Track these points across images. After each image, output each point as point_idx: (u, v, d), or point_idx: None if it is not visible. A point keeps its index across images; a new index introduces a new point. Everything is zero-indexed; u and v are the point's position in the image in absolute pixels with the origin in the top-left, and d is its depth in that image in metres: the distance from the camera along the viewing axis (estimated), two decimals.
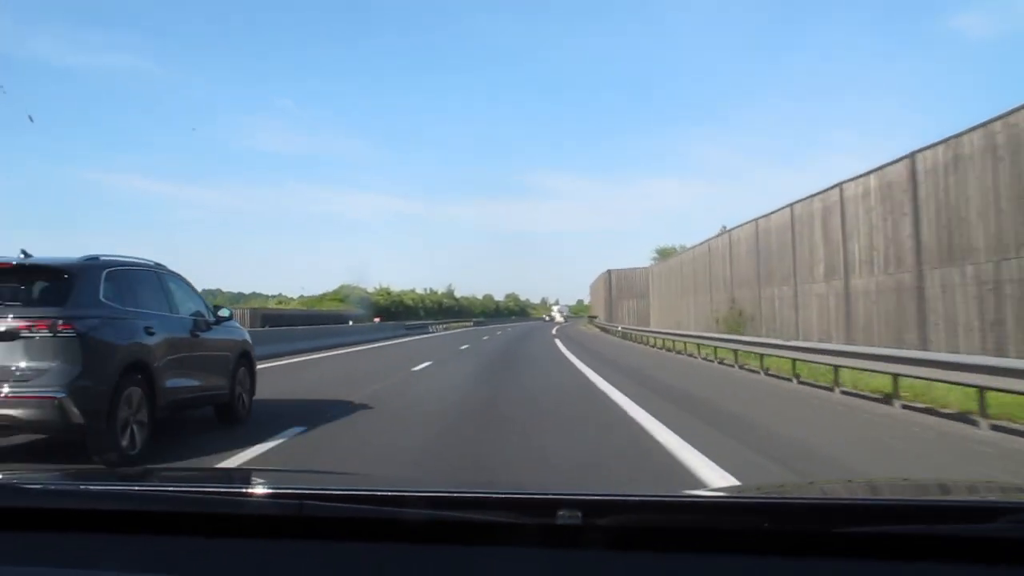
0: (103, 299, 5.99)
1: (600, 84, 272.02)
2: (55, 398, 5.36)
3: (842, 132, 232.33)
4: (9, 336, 5.43)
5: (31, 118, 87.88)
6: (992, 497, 1.69)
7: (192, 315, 7.28)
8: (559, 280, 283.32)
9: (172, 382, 6.53)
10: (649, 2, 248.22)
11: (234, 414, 7.81)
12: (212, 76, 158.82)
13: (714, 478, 5.30)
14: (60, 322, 5.52)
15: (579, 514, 1.24)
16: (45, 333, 5.47)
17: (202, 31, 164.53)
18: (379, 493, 1.41)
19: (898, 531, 1.23)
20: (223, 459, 6.00)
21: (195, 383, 7.01)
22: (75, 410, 5.40)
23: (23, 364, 5.42)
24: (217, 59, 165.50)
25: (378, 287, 61.55)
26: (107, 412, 5.60)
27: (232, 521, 1.34)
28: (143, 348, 6.19)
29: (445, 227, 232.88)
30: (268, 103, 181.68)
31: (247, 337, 8.60)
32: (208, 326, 7.47)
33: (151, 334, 6.32)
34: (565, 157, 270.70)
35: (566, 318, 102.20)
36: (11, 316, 5.50)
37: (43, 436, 6.02)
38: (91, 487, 1.55)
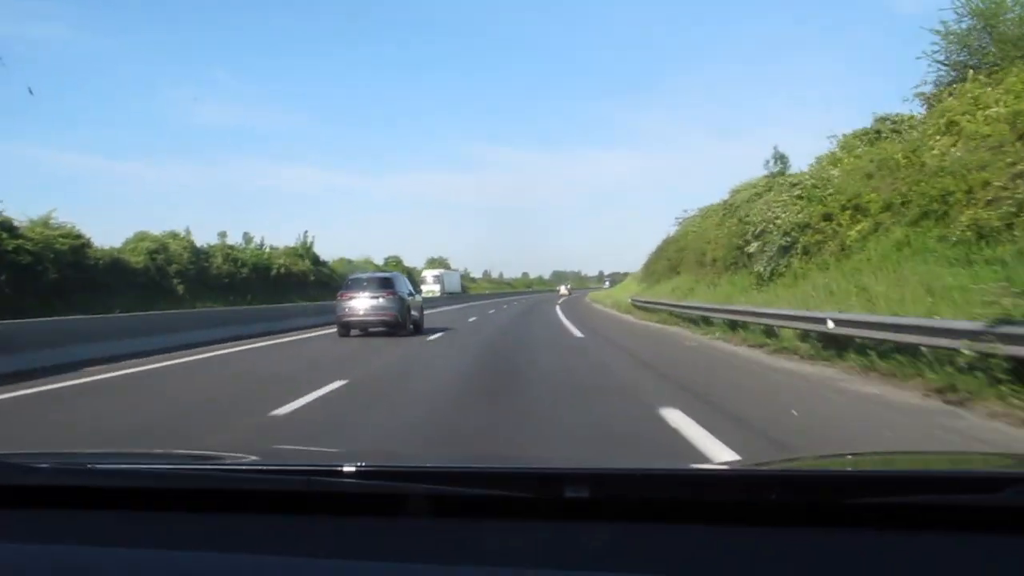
0: (396, 285, 21.78)
1: (534, 56, 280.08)
2: (395, 315, 20.86)
3: (777, 103, 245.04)
4: (382, 297, 20.90)
5: (31, 91, 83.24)
6: (999, 468, 1.69)
7: (409, 289, 23.00)
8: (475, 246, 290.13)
9: (411, 313, 22.21)
10: None
11: (420, 329, 22.67)
12: (142, 47, 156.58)
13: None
14: (392, 293, 21.31)
15: (586, 488, 1.28)
16: (390, 297, 21.11)
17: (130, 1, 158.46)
18: (386, 468, 1.47)
19: (905, 502, 1.25)
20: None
21: (414, 314, 22.66)
22: (399, 318, 20.98)
23: (384, 305, 20.91)
24: (146, 29, 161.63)
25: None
26: (405, 319, 21.29)
27: (240, 497, 1.38)
28: (407, 300, 21.68)
29: (384, 198, 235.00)
30: (203, 75, 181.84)
31: (421, 300, 24.74)
32: (413, 295, 23.22)
33: (410, 296, 22.24)
34: (503, 130, 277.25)
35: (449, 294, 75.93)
36: (381, 292, 21.04)
37: (387, 329, 20.88)
38: (99, 466, 1.59)
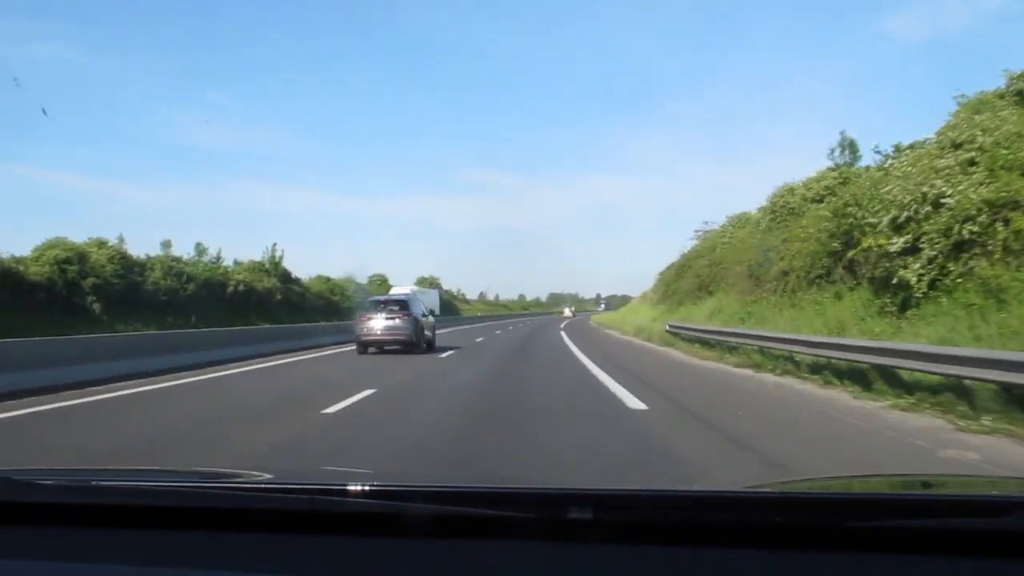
0: (412, 307, 18.23)
1: (528, 81, 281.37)
2: (410, 334, 17.67)
3: (775, 130, 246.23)
4: (397, 318, 17.75)
5: (44, 111, 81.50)
6: (1005, 492, 1.70)
7: (423, 310, 19.21)
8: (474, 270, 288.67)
9: (425, 332, 18.57)
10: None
11: (433, 347, 19.79)
12: (138, 67, 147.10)
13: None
14: (407, 315, 17.91)
15: (590, 509, 1.29)
16: (406, 317, 17.88)
17: (127, 21, 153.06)
18: (390, 488, 1.46)
19: (910, 526, 1.25)
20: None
21: (428, 333, 18.98)
22: (413, 337, 17.57)
23: (400, 325, 17.68)
24: (144, 50, 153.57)
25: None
26: (419, 339, 17.82)
27: (244, 516, 1.38)
28: (422, 321, 18.40)
29: (378, 220, 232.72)
30: (199, 97, 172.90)
31: (434, 320, 21.76)
32: (426, 316, 19.63)
33: (424, 317, 18.54)
34: (499, 154, 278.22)
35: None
36: (396, 313, 17.88)
37: (403, 347, 17.81)
38: (103, 483, 1.58)
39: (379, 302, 20.76)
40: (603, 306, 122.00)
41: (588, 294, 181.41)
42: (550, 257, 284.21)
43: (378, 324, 19.46)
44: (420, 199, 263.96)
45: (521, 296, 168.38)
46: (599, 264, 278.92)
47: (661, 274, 48.96)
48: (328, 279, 56.01)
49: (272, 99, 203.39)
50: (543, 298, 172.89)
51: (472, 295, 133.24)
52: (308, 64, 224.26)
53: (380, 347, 19.64)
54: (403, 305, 20.15)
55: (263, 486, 1.60)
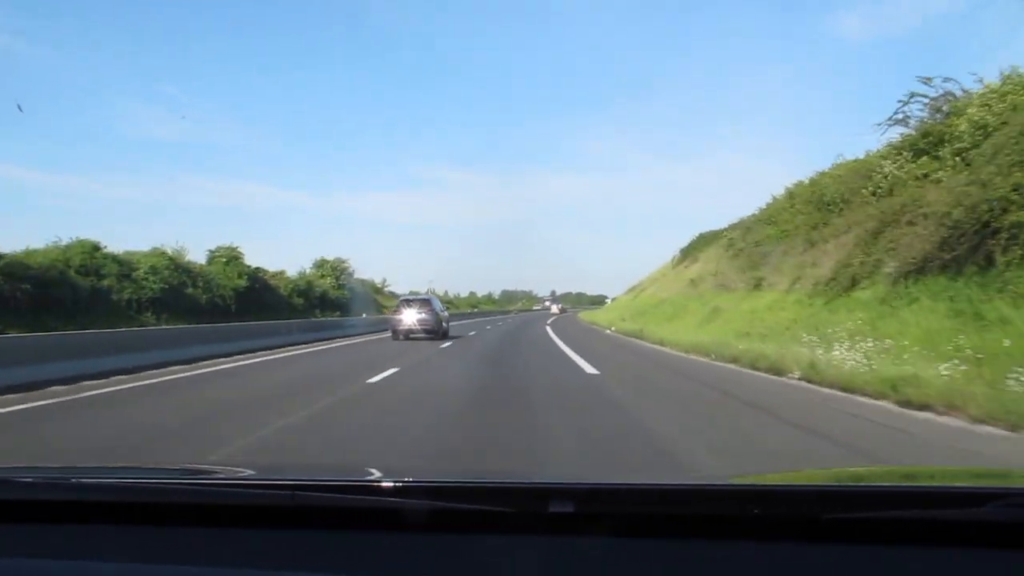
0: (433, 304, 28.44)
1: (484, 78, 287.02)
2: (433, 324, 27.13)
3: (730, 128, 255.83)
4: (424, 312, 27.17)
5: (20, 107, 79.15)
6: (979, 483, 1.72)
7: (441, 307, 29.59)
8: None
9: (443, 324, 28.44)
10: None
11: (447, 335, 28.96)
12: (87, 57, 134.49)
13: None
14: (431, 309, 27.72)
15: (571, 503, 1.30)
16: (430, 311, 27.48)
17: (77, 9, 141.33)
18: (371, 482, 1.47)
19: (888, 516, 1.27)
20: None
21: (444, 325, 28.85)
22: (435, 327, 27.17)
23: (426, 318, 27.08)
24: (94, 41, 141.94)
25: None
26: (440, 328, 27.57)
27: (225, 511, 1.37)
28: (440, 315, 28.39)
29: (332, 217, 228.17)
30: (151, 89, 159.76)
31: (448, 314, 31.57)
32: (444, 311, 30.05)
33: (442, 311, 29.09)
34: (454, 151, 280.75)
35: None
36: (423, 309, 27.41)
37: (427, 335, 27.16)
38: (83, 480, 1.57)
39: (409, 300, 28.16)
40: (547, 303, 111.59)
41: (543, 291, 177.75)
42: (501, 254, 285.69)
43: (408, 317, 26.24)
44: (373, 196, 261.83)
45: (472, 293, 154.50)
46: (553, 262, 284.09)
47: (758, 215, 30.94)
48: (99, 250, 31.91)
49: (220, 93, 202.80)
50: (496, 294, 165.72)
51: (420, 288, 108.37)
52: (263, 61, 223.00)
53: (407, 335, 25.57)
54: (427, 303, 27.66)
55: (244, 482, 1.58)
